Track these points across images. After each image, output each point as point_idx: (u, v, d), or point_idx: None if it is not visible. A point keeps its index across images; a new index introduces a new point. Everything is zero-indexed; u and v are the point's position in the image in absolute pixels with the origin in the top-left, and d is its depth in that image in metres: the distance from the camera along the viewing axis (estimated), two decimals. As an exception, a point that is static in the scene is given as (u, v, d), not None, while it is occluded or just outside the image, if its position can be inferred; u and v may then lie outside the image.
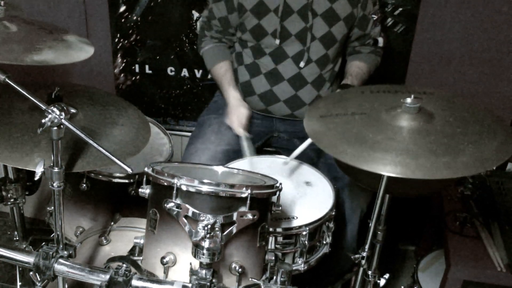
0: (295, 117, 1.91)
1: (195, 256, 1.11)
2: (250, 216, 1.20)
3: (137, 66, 2.37)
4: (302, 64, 1.83)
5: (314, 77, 1.86)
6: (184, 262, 1.20)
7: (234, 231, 1.19)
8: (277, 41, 1.81)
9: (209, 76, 2.32)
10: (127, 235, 1.52)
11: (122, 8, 2.25)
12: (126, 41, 2.32)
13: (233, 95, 1.89)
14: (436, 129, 1.24)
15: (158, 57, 2.33)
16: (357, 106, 1.38)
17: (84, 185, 1.62)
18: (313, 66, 1.85)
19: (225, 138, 1.90)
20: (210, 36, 1.96)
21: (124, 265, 1.14)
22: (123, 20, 2.27)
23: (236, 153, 1.86)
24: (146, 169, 1.26)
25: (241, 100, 1.90)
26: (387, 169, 1.13)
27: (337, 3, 1.78)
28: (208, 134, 1.91)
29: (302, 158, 1.81)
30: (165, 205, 1.18)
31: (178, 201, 1.18)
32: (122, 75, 2.40)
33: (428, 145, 1.18)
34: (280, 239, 1.47)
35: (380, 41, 1.96)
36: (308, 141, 1.67)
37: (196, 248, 1.10)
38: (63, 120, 1.10)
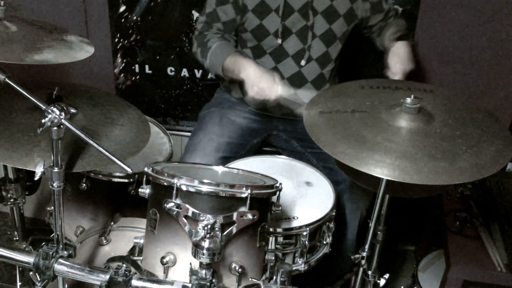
0: (294, 116, 1.91)
1: (195, 256, 1.11)
2: (250, 216, 1.20)
3: (137, 66, 2.36)
4: (303, 62, 1.83)
5: (315, 76, 1.86)
6: (184, 262, 1.20)
7: (234, 231, 1.19)
8: (279, 41, 1.81)
9: (209, 76, 2.32)
10: (127, 235, 1.52)
11: (122, 8, 2.24)
12: (126, 41, 2.31)
13: (254, 65, 1.68)
14: (435, 131, 1.24)
15: (158, 57, 2.33)
16: (357, 102, 1.37)
17: (84, 185, 1.61)
18: (313, 65, 1.85)
19: (227, 130, 1.89)
20: (212, 33, 1.88)
21: (124, 265, 1.14)
22: (123, 20, 2.27)
23: (238, 147, 1.86)
24: (146, 169, 1.26)
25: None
26: (386, 173, 1.13)
27: (337, 0, 1.78)
28: (210, 126, 1.90)
29: (302, 160, 1.81)
30: (165, 205, 1.18)
31: (178, 201, 1.18)
32: (122, 75, 2.40)
33: (427, 148, 1.18)
34: (280, 239, 1.47)
35: (398, 8, 1.99)
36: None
37: (196, 248, 1.10)
38: (63, 120, 1.10)
